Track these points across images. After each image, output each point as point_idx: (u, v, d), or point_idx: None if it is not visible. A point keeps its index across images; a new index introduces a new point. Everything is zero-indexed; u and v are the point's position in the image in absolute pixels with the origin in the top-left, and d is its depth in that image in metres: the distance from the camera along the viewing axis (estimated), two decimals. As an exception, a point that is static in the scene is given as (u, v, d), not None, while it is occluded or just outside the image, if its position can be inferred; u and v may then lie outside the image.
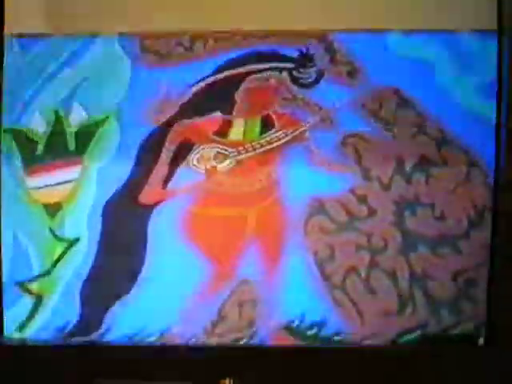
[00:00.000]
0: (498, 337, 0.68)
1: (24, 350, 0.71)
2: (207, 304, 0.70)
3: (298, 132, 0.71)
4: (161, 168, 0.72)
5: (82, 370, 0.69)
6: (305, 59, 0.72)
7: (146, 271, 0.71)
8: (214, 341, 0.69)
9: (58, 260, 0.72)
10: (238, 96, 0.72)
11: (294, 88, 0.72)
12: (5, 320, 0.71)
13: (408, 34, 0.72)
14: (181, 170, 0.72)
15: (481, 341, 0.69)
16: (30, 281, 0.71)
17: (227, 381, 0.67)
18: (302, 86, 0.72)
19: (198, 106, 0.72)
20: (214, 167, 0.72)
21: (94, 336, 0.70)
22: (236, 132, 0.72)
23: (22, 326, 0.71)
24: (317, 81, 0.72)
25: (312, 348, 0.68)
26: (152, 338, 0.70)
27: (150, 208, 0.71)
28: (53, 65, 0.73)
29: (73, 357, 0.69)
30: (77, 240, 0.71)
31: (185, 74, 0.72)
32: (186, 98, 0.72)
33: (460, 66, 0.71)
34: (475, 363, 0.68)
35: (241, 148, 0.72)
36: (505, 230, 0.69)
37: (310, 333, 0.70)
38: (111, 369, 0.68)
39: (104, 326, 0.70)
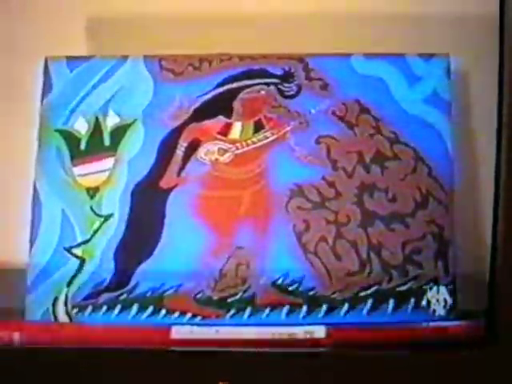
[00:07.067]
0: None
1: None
2: (211, 266, 0.81)
3: (282, 133, 0.84)
4: (176, 160, 0.83)
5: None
6: (287, 76, 0.85)
7: (163, 240, 0.82)
8: (216, 295, 0.80)
9: (96, 231, 0.83)
10: (236, 104, 0.84)
11: (280, 98, 0.84)
12: (54, 279, 0.80)
13: (368, 58, 0.84)
14: (191, 161, 0.83)
15: (425, 299, 0.78)
16: (75, 247, 0.82)
17: None
18: (286, 97, 0.84)
19: (204, 112, 0.84)
20: (217, 159, 0.84)
21: (124, 290, 0.80)
22: (234, 132, 0.84)
23: (69, 283, 0.81)
24: (297, 93, 0.84)
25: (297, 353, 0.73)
26: (169, 292, 0.80)
27: (167, 191, 0.83)
28: (92, 80, 0.85)
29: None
30: (111, 216, 0.83)
31: (194, 87, 0.84)
32: (195, 106, 0.84)
33: (408, 82, 0.84)
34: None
35: (238, 144, 0.84)
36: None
37: (291, 288, 0.80)
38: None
39: (132, 283, 0.81)
